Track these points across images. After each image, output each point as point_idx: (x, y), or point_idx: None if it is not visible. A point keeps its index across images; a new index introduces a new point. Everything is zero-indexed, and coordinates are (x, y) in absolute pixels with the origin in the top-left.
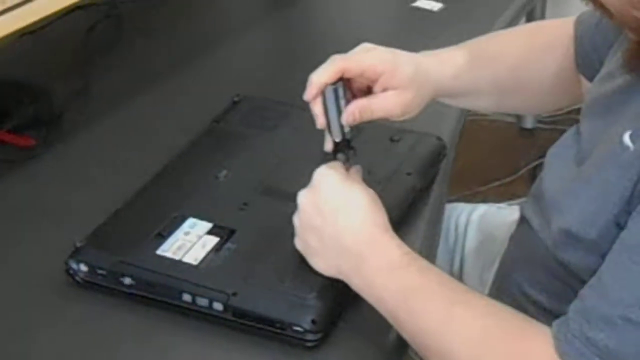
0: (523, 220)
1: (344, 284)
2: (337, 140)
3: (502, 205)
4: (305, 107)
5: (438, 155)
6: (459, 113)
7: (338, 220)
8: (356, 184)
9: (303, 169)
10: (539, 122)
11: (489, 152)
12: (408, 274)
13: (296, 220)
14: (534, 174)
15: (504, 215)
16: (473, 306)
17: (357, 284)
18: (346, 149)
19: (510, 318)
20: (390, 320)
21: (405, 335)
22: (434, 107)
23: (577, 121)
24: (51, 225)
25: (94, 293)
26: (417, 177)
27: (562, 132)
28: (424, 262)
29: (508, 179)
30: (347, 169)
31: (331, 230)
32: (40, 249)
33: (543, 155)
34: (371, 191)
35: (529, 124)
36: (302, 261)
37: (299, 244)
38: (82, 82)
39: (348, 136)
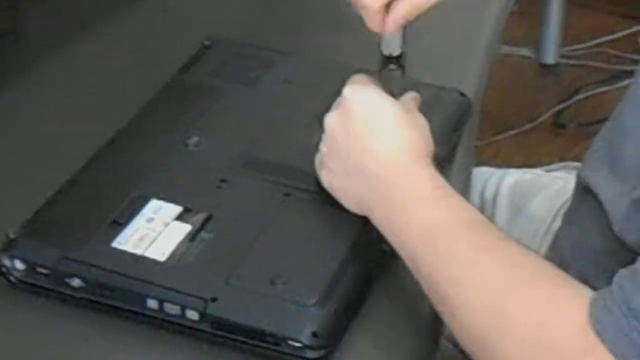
0: (585, 191)
1: (350, 287)
2: (396, 53)
3: (538, 170)
4: (295, 53)
5: (461, 115)
6: (485, 60)
7: (366, 142)
8: (395, 103)
9: (296, 133)
10: (562, 56)
11: (502, 93)
12: (435, 211)
13: (323, 147)
14: (558, 121)
15: (542, 183)
16: (504, 254)
17: (378, 218)
18: (399, 67)
19: (546, 273)
20: (409, 265)
21: (423, 284)
22: (452, 52)
23: (610, 56)
24: None
25: (33, 297)
26: (437, 144)
27: (591, 68)
28: (458, 199)
29: (527, 127)
30: (397, 96)
31: (357, 154)
32: None
33: (568, 98)
34: (418, 115)
35: (550, 58)
36: (298, 256)
37: (324, 176)
38: (9, 21)
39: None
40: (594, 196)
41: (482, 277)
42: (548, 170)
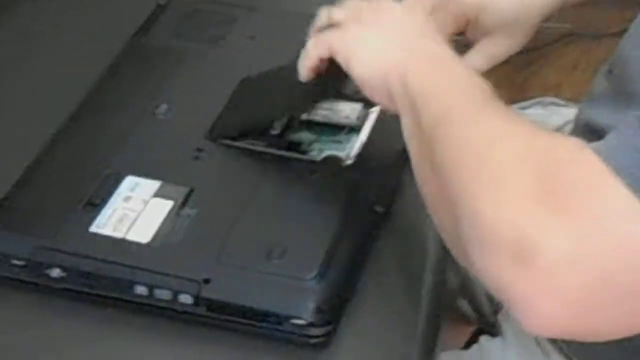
0: (590, 132)
1: (349, 255)
2: None
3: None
4: (259, 7)
5: None
6: None
7: (396, 14)
8: None
9: (270, 92)
10: None
11: None
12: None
13: (338, 13)
14: None
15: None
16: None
17: (408, 80)
18: None
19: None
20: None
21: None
22: None
23: None
24: None
25: (11, 290)
26: None
27: None
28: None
29: None
30: None
31: (389, 19)
32: None
33: None
34: None
35: None
36: (290, 226)
37: (337, 36)
38: None
39: None
40: (601, 136)
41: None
42: (522, 108)
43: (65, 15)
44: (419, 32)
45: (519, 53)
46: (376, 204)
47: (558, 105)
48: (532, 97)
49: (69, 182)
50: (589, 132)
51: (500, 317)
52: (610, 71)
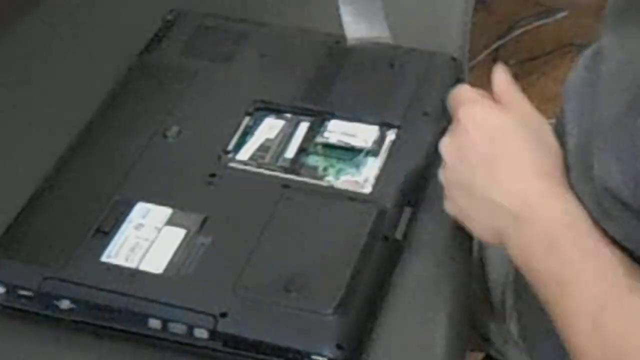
0: None
1: (370, 287)
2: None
3: None
4: (267, 23)
5: (455, 81)
6: (462, 13)
7: (489, 171)
8: (514, 117)
9: None
10: None
11: None
12: (566, 259)
13: (441, 175)
14: (496, 57)
15: None
16: (625, 313)
17: (513, 253)
18: None
19: None
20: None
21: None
22: (432, 12)
23: None
24: None
25: (18, 322)
26: (437, 117)
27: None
28: (590, 242)
29: (467, 66)
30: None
31: (482, 184)
32: None
33: (504, 35)
34: (537, 123)
35: None
36: (309, 256)
37: (448, 205)
38: None
39: None
40: None
41: (605, 338)
42: None
43: (69, 33)
44: (517, 195)
45: (517, 63)
46: (395, 232)
47: None
48: None
49: (77, 208)
50: None
51: (508, 346)
52: None
